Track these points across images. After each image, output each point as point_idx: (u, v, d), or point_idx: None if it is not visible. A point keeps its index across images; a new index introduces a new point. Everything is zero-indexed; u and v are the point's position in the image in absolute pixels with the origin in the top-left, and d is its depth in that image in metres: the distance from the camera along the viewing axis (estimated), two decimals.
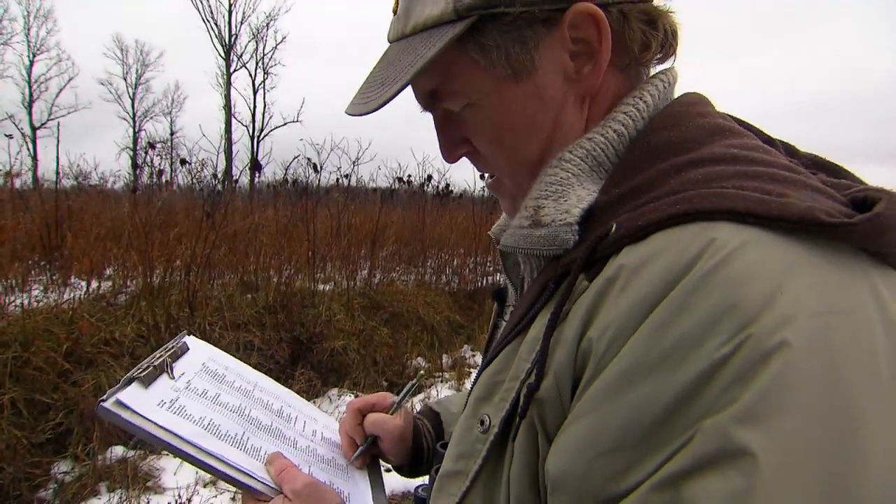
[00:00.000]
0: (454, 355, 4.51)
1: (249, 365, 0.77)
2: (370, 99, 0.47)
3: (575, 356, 0.37)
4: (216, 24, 22.99)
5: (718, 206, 0.35)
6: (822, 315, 0.31)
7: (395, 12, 0.50)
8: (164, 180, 5.64)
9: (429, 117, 0.53)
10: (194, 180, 5.24)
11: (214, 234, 3.91)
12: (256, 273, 4.33)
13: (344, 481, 0.65)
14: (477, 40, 0.44)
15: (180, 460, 0.53)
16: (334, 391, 3.58)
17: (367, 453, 0.71)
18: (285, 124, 22.53)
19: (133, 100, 25.69)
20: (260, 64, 23.67)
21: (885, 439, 0.30)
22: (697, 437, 0.30)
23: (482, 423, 0.43)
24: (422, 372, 0.87)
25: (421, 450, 0.72)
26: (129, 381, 0.55)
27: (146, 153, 5.85)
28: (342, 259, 5.06)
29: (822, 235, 0.34)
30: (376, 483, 0.69)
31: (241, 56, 23.51)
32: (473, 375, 0.52)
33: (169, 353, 0.63)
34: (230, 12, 22.97)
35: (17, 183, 5.24)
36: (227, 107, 22.82)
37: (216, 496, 2.42)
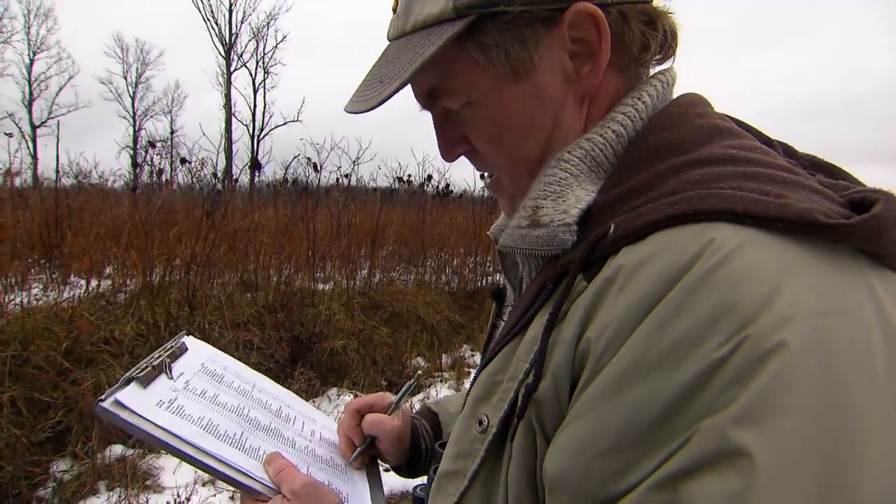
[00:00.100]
0: (454, 355, 4.51)
1: (249, 364, 0.77)
2: (369, 97, 0.47)
3: (573, 356, 0.37)
4: (216, 23, 23.01)
5: (717, 206, 0.35)
6: (820, 316, 0.31)
7: (394, 10, 0.50)
8: (164, 179, 5.64)
9: (428, 116, 0.53)
10: (194, 179, 5.25)
11: (214, 234, 3.91)
12: (256, 272, 4.33)
13: (342, 481, 0.65)
14: (476, 39, 0.44)
15: (179, 460, 0.53)
16: (334, 391, 3.58)
17: (366, 453, 0.71)
18: (285, 123, 22.55)
19: (133, 99, 25.71)
20: (260, 63, 23.69)
21: (881, 440, 0.30)
22: (696, 438, 0.30)
23: (480, 423, 0.43)
24: (419, 372, 0.87)
25: (419, 450, 0.72)
26: (128, 381, 0.55)
27: (146, 152, 5.85)
28: (342, 258, 5.06)
29: (820, 236, 0.34)
30: (375, 483, 0.69)
31: (241, 55, 23.53)
32: (472, 375, 0.52)
33: (168, 353, 0.63)
34: (230, 11, 22.98)
35: (17, 181, 5.25)
36: (228, 106, 22.82)
37: (215, 495, 2.42)
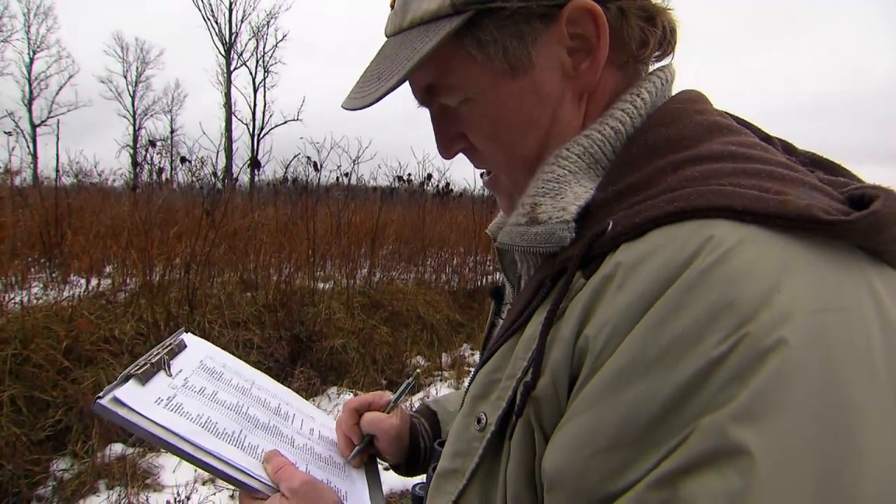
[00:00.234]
0: (454, 354, 4.51)
1: (249, 363, 0.77)
2: (367, 93, 0.47)
3: (572, 354, 0.37)
4: (216, 22, 22.99)
5: (716, 203, 0.35)
6: (819, 313, 0.31)
7: (392, 7, 0.49)
8: (164, 178, 5.64)
9: (427, 114, 0.53)
10: (194, 178, 5.25)
11: (214, 233, 3.91)
12: (256, 271, 4.33)
13: (341, 480, 0.65)
14: (474, 35, 0.44)
15: (178, 457, 0.53)
16: (334, 389, 3.58)
17: (365, 452, 0.71)
18: (285, 123, 22.55)
19: (133, 98, 25.70)
20: (260, 62, 23.68)
21: (881, 437, 0.30)
22: (694, 435, 0.30)
23: (479, 421, 0.43)
24: (418, 370, 0.87)
25: (418, 448, 0.72)
26: (127, 378, 0.55)
27: (146, 151, 5.85)
28: (342, 257, 5.06)
29: (820, 233, 0.34)
30: (373, 482, 0.69)
31: (241, 54, 23.51)
32: (471, 374, 0.52)
33: (166, 350, 0.63)
34: (231, 10, 22.96)
35: (17, 180, 5.25)
36: (228, 105, 22.81)
37: (215, 493, 2.42)
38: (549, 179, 0.45)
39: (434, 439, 0.73)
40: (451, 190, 7.32)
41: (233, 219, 4.70)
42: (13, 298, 3.18)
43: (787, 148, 0.48)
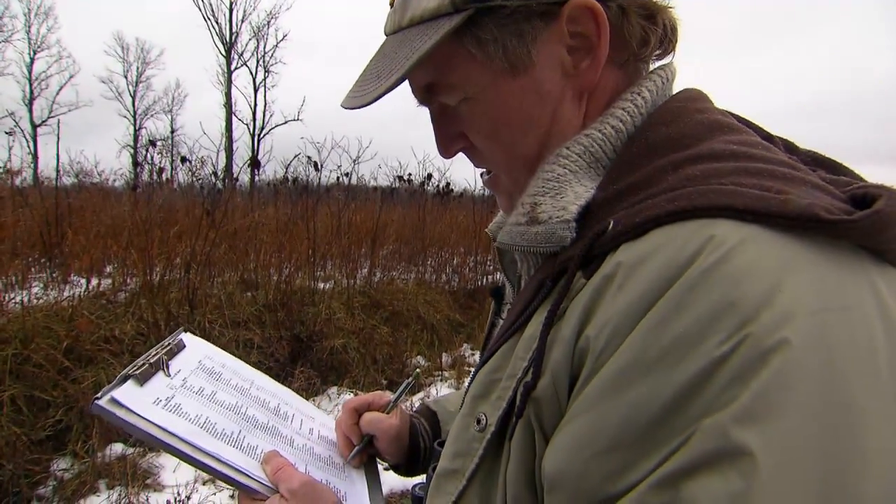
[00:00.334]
0: (454, 354, 4.51)
1: (249, 363, 0.77)
2: (366, 92, 0.46)
3: (572, 354, 0.37)
4: (217, 21, 23.00)
5: (717, 202, 0.34)
6: (821, 313, 0.31)
7: (391, 5, 0.49)
8: (164, 178, 5.64)
9: (427, 113, 0.53)
10: (195, 178, 5.25)
11: (214, 232, 3.91)
12: (256, 271, 4.33)
13: (341, 480, 0.65)
14: (474, 33, 0.44)
15: (177, 458, 0.53)
16: (334, 389, 3.58)
17: (364, 452, 0.71)
18: (286, 122, 22.56)
19: (134, 97, 25.71)
20: (261, 62, 23.68)
21: (884, 437, 0.30)
22: (696, 437, 0.30)
23: (479, 421, 0.43)
24: (418, 370, 0.87)
25: (418, 448, 0.72)
26: (125, 379, 0.54)
27: (147, 151, 5.85)
28: (342, 257, 5.06)
29: (822, 232, 0.34)
30: (373, 482, 0.69)
31: (241, 54, 23.51)
32: (471, 374, 0.52)
33: (165, 350, 0.63)
34: (231, 10, 22.96)
35: (18, 180, 5.25)
36: (228, 105, 22.81)
37: (215, 493, 2.42)
38: (549, 179, 0.45)
39: (434, 439, 0.73)
40: (452, 190, 7.32)
41: (233, 219, 4.70)
42: (13, 298, 3.18)
43: (789, 147, 0.48)
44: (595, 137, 0.45)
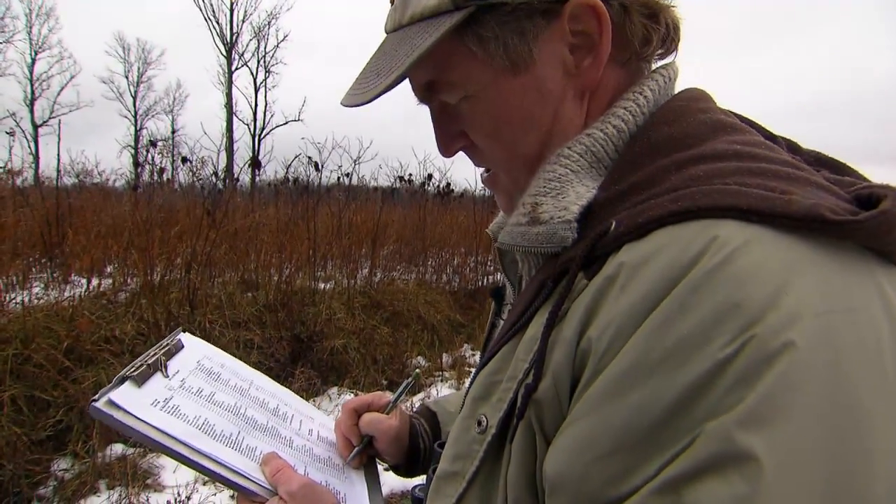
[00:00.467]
0: (454, 354, 4.51)
1: (249, 363, 0.77)
2: (366, 90, 0.46)
3: (574, 356, 0.36)
4: (218, 22, 23.00)
5: (721, 203, 0.34)
6: (827, 314, 0.31)
7: (392, 3, 0.49)
8: (165, 178, 5.65)
9: (427, 113, 0.53)
10: (195, 178, 5.25)
11: (215, 233, 3.91)
12: (257, 271, 4.33)
13: (340, 481, 0.65)
14: (475, 31, 0.43)
15: (175, 461, 0.52)
16: (334, 390, 3.58)
17: (364, 453, 0.70)
18: (286, 123, 22.56)
19: (135, 98, 25.71)
20: (261, 62, 23.68)
21: (890, 438, 0.30)
22: (700, 440, 0.29)
23: (479, 423, 0.42)
24: (417, 371, 0.86)
25: (417, 449, 0.72)
26: (122, 380, 0.54)
27: (147, 151, 5.86)
28: (343, 258, 5.05)
29: (827, 233, 0.33)
30: (373, 483, 0.69)
31: (242, 54, 23.52)
32: (471, 375, 0.52)
33: (163, 350, 0.62)
34: (232, 11, 22.97)
35: (19, 180, 5.25)
36: (229, 105, 22.82)
37: (215, 494, 2.42)
38: (550, 179, 0.44)
39: (434, 440, 0.72)
40: (452, 190, 7.32)
41: (234, 219, 4.70)
42: (14, 298, 3.18)
43: (792, 147, 0.47)
44: (597, 137, 0.44)
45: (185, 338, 0.70)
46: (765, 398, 0.29)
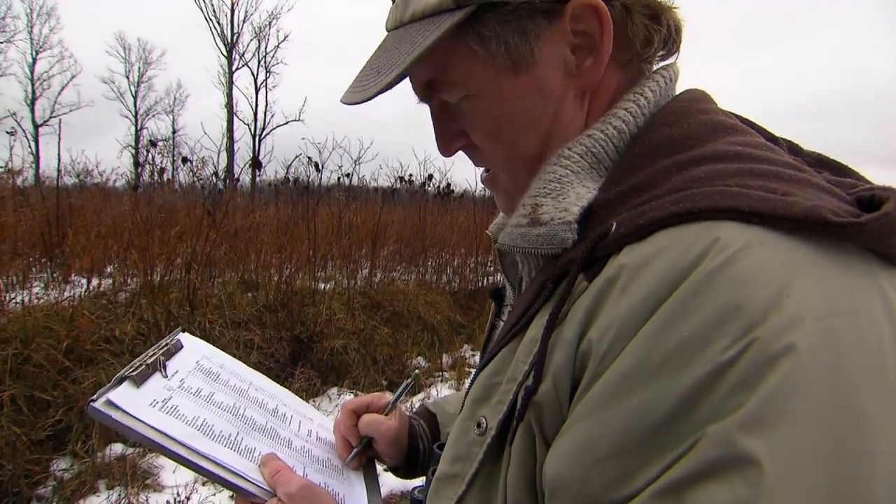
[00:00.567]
0: (454, 355, 4.51)
1: (249, 363, 0.76)
2: (366, 87, 0.46)
3: (574, 358, 0.36)
4: (218, 22, 23.01)
5: (722, 204, 0.34)
6: (829, 317, 0.31)
7: (393, 0, 0.49)
8: (165, 178, 5.65)
9: (428, 112, 0.52)
10: (196, 178, 5.25)
11: (215, 233, 3.91)
12: (257, 271, 4.33)
13: (339, 483, 0.64)
14: (476, 30, 0.43)
15: (173, 461, 0.52)
16: (334, 390, 3.58)
17: (363, 454, 0.70)
18: (287, 123, 22.57)
19: (135, 98, 25.73)
20: (262, 62, 23.69)
21: (892, 441, 0.30)
22: (701, 443, 0.29)
23: (479, 425, 0.42)
24: (417, 371, 0.86)
25: (417, 450, 0.71)
26: (121, 381, 0.54)
27: (148, 151, 5.86)
28: (343, 258, 5.05)
29: (829, 235, 0.33)
30: (372, 484, 0.69)
31: (243, 55, 23.52)
32: (471, 376, 0.51)
33: (162, 350, 0.62)
34: (232, 11, 22.98)
35: (19, 180, 5.25)
36: (229, 105, 22.83)
37: (215, 494, 2.42)
38: (550, 180, 0.44)
39: (433, 441, 0.72)
40: (453, 191, 7.32)
41: (234, 219, 4.70)
42: (14, 298, 3.17)
43: (793, 148, 0.47)
44: (597, 138, 0.44)
45: (185, 338, 0.70)
46: (766, 401, 0.28)
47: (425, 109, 0.52)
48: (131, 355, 2.87)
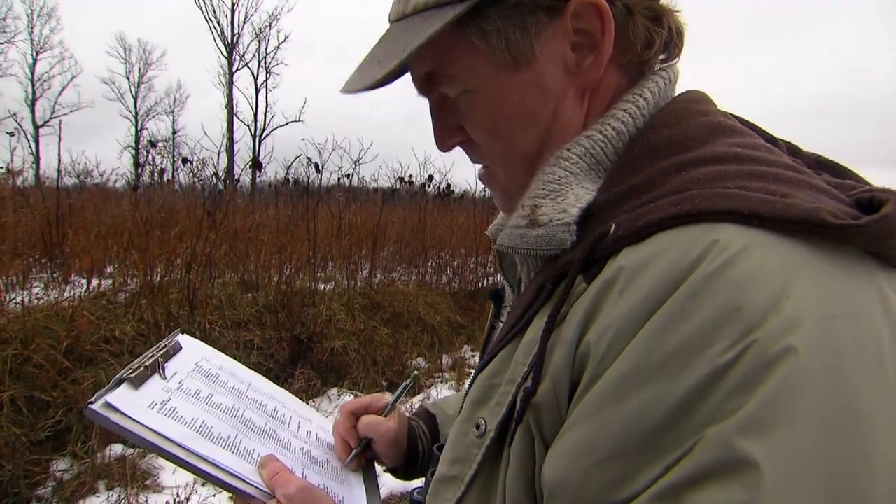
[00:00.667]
0: (454, 356, 4.51)
1: (249, 364, 0.76)
2: (366, 77, 0.46)
3: (573, 360, 0.36)
4: (219, 23, 23.02)
5: (721, 206, 0.34)
6: (828, 319, 0.31)
7: None
8: (165, 179, 5.65)
9: (427, 112, 0.52)
10: (196, 179, 5.25)
11: (215, 233, 3.91)
12: (257, 272, 4.32)
13: (338, 484, 0.64)
14: (477, 24, 0.43)
15: (172, 463, 0.52)
16: (334, 391, 3.58)
17: (362, 456, 0.70)
18: (287, 124, 22.59)
19: (136, 98, 25.74)
20: (262, 63, 23.70)
21: (892, 442, 0.30)
22: (700, 446, 0.29)
23: (478, 427, 0.42)
24: (415, 372, 0.86)
25: (416, 452, 0.71)
26: (119, 383, 0.54)
27: (148, 152, 5.87)
28: (343, 259, 5.05)
29: (828, 237, 0.33)
30: (371, 486, 0.68)
31: (243, 55, 23.53)
32: (470, 377, 0.51)
33: (161, 352, 0.62)
34: (233, 11, 23.00)
35: (19, 180, 5.25)
36: (230, 106, 22.83)
37: (214, 495, 2.42)
38: (549, 181, 0.44)
39: (433, 442, 0.72)
40: (453, 191, 7.32)
41: (234, 219, 4.70)
42: (14, 298, 3.17)
43: (793, 150, 0.47)
44: (596, 139, 0.44)
45: (184, 339, 0.70)
46: (765, 404, 0.28)
47: (425, 110, 0.52)
48: (131, 356, 2.87)
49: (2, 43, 21.14)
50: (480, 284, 5.95)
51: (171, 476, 2.50)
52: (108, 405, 0.51)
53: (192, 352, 0.69)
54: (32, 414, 2.49)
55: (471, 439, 0.43)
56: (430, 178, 7.14)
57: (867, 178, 0.44)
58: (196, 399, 0.60)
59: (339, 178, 5.97)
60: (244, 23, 23.42)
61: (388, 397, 0.73)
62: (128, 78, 25.71)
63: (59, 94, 23.03)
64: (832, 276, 0.32)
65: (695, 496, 0.29)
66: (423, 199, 6.86)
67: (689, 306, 0.31)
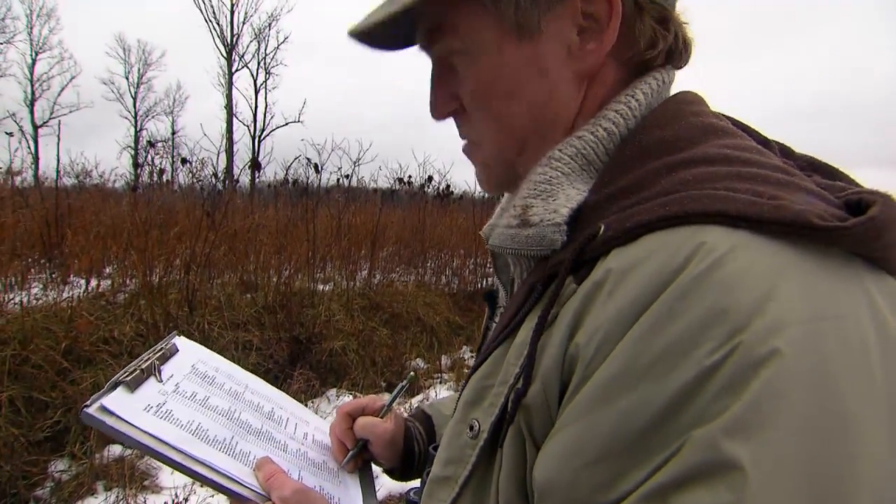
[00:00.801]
0: (453, 356, 4.51)
1: (248, 364, 0.77)
2: (377, 13, 0.45)
3: (562, 362, 0.36)
4: (218, 23, 23.01)
5: (709, 208, 0.34)
6: (814, 321, 0.31)
7: None
8: (164, 179, 5.65)
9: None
10: (195, 179, 5.25)
11: (214, 234, 3.91)
12: (256, 273, 4.32)
13: (334, 486, 0.64)
14: None
15: (168, 467, 0.52)
16: (333, 391, 3.58)
17: (359, 457, 0.70)
18: (286, 124, 22.57)
19: (135, 99, 25.72)
20: (262, 64, 23.69)
21: (877, 443, 0.30)
22: (686, 448, 0.29)
23: (471, 428, 0.42)
24: (412, 373, 0.86)
25: (412, 453, 0.71)
26: (115, 386, 0.54)
27: (147, 152, 5.87)
28: (342, 259, 5.05)
29: (815, 239, 0.33)
30: (368, 487, 0.69)
31: (242, 56, 23.52)
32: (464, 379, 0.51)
33: (157, 354, 0.62)
34: (232, 12, 22.99)
35: (18, 181, 5.25)
36: (229, 106, 22.82)
37: (213, 496, 2.41)
38: (541, 182, 0.44)
39: (429, 443, 0.72)
40: (452, 192, 7.32)
41: (233, 220, 4.70)
42: (13, 299, 3.17)
43: (785, 151, 0.47)
44: (587, 140, 0.44)
45: (180, 341, 0.70)
46: (750, 406, 0.29)
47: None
48: (130, 356, 2.87)
49: (1, 43, 21.14)
50: (479, 285, 5.95)
51: (170, 477, 2.50)
52: (104, 409, 0.51)
53: (189, 354, 0.69)
54: (31, 414, 2.49)
55: (464, 440, 0.43)
56: (430, 178, 7.15)
57: (868, 179, 0.44)
58: (192, 401, 0.60)
59: (338, 179, 5.98)
60: (244, 23, 23.42)
61: (384, 398, 0.74)
62: (127, 78, 25.72)
63: (59, 95, 23.03)
64: (819, 278, 0.33)
65: (682, 497, 0.29)
66: (423, 199, 6.86)
67: (677, 308, 0.31)
